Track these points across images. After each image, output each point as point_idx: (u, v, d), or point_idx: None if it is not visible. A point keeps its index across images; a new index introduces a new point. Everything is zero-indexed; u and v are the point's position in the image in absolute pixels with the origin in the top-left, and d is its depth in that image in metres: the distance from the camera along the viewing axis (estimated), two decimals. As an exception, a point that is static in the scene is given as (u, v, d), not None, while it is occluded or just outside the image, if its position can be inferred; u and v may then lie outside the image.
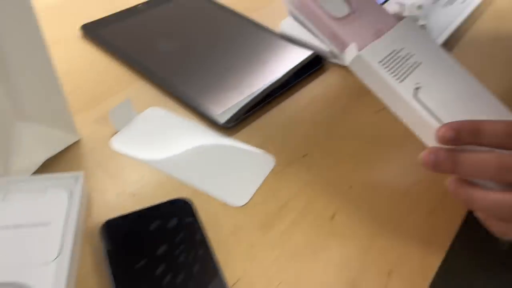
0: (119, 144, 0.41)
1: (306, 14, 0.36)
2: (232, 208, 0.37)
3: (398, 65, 0.34)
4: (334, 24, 0.35)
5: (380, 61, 0.34)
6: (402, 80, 0.33)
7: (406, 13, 0.58)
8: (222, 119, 0.43)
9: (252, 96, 0.45)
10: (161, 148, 0.41)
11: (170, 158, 0.40)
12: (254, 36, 0.55)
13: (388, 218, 0.36)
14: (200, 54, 0.52)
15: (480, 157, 0.30)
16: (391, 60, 0.34)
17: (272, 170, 0.40)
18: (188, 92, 0.46)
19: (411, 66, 0.34)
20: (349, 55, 0.34)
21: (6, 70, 0.34)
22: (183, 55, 0.51)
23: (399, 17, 0.38)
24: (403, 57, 0.35)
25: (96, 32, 0.54)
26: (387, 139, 0.44)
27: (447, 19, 0.60)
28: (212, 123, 0.44)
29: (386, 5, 0.56)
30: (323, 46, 0.38)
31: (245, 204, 0.37)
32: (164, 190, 0.38)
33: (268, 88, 0.46)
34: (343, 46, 0.35)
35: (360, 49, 0.34)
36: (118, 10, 0.58)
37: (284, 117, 0.46)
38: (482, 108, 0.34)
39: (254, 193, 0.38)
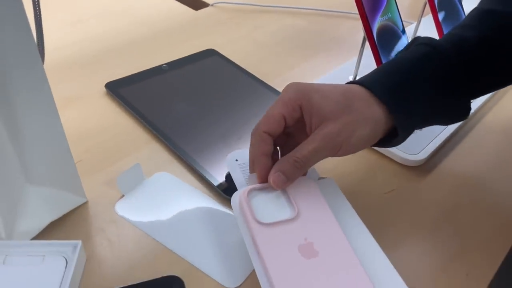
0: (123, 209, 0.42)
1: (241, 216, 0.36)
2: (224, 289, 0.36)
3: None
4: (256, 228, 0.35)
5: None
6: None
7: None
8: (229, 193, 0.43)
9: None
10: (162, 218, 0.42)
11: (170, 230, 0.41)
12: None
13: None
14: (216, 120, 0.53)
15: None
16: None
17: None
18: (198, 159, 0.47)
19: None
20: None
21: (19, 137, 0.35)
22: (200, 120, 0.52)
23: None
24: None
25: (119, 90, 0.56)
26: (393, 225, 0.43)
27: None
28: (219, 194, 0.44)
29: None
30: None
31: (237, 287, 0.37)
32: (160, 264, 0.38)
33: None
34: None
35: None
36: (144, 68, 0.60)
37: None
38: None
39: (249, 275, 0.37)
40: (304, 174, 0.39)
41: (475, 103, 0.58)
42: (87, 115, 0.53)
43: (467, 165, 0.51)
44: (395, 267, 0.35)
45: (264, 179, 0.37)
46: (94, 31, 0.70)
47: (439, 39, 0.42)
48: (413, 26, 0.70)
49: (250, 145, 0.38)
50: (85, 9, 0.76)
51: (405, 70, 0.40)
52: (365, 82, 0.39)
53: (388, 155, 0.50)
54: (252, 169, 0.38)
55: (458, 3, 0.69)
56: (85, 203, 0.42)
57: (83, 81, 0.59)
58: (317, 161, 0.37)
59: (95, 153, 0.48)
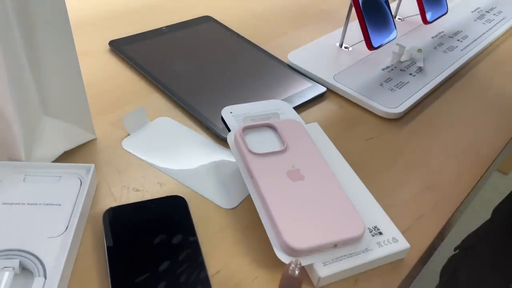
0: (129, 145, 0.46)
1: (236, 149, 0.41)
2: (222, 210, 0.41)
3: None
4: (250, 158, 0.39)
5: None
6: None
7: (404, 56, 0.63)
8: (224, 133, 0.48)
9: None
10: (165, 153, 0.46)
11: (173, 163, 0.45)
12: (264, 64, 0.61)
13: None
14: (212, 75, 0.57)
15: None
16: None
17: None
18: (196, 107, 0.51)
19: None
20: None
21: (40, 72, 0.39)
22: (196, 75, 0.57)
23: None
24: None
25: (122, 47, 0.60)
26: (372, 165, 0.48)
27: (446, 63, 0.64)
28: (215, 135, 0.49)
29: (385, 46, 0.61)
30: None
31: (234, 208, 0.41)
32: (164, 189, 0.42)
33: (269, 109, 0.51)
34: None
35: None
36: (144, 30, 0.64)
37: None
38: None
39: (243, 200, 0.42)
40: None
41: (452, 67, 0.63)
42: (92, 68, 0.57)
43: (441, 119, 0.56)
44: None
45: None
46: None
47: None
48: (396, 3, 0.75)
49: None
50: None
51: None
52: None
53: (369, 109, 0.55)
54: None
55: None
56: (94, 139, 0.46)
57: (87, 39, 0.62)
58: None
59: (101, 100, 0.52)
